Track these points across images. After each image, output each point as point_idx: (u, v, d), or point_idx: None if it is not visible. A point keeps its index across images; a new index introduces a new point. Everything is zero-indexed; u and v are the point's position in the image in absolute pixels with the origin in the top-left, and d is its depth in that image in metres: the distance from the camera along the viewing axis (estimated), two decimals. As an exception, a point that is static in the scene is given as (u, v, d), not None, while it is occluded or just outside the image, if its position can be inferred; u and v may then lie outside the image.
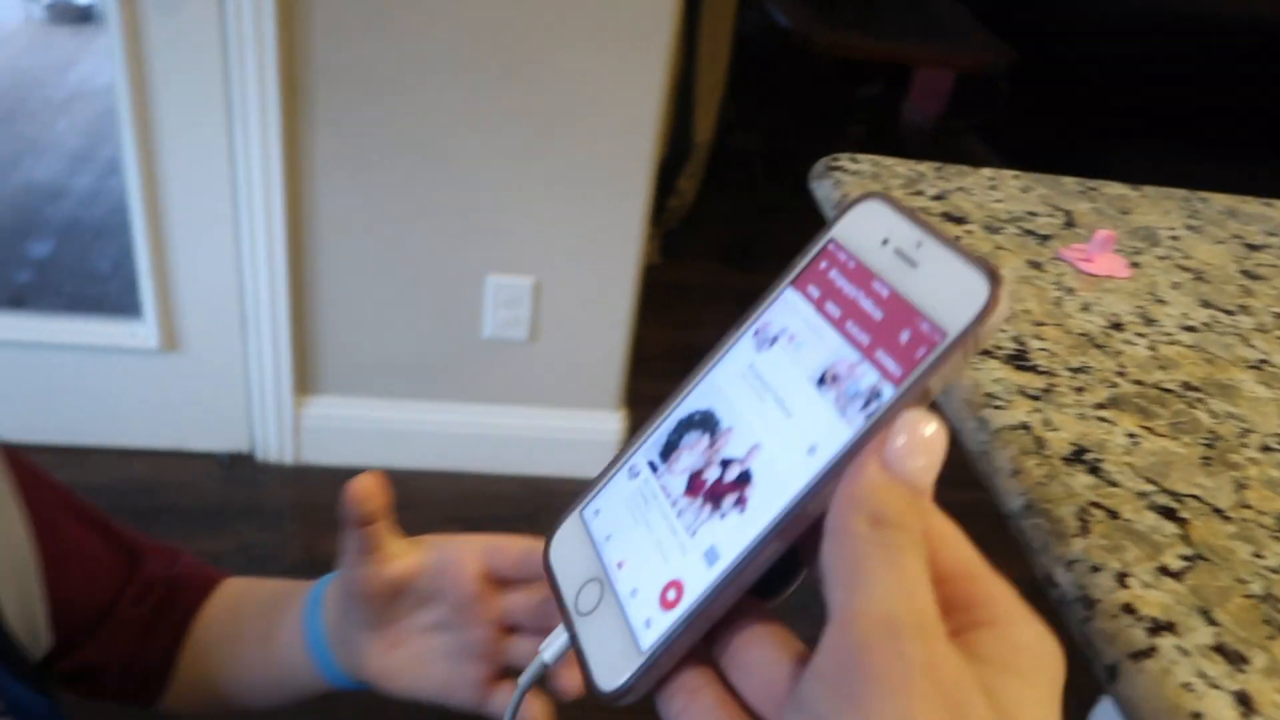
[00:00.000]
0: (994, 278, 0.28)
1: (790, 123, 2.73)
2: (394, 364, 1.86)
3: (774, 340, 0.33)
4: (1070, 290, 0.65)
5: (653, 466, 0.34)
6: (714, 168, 2.63)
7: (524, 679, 0.38)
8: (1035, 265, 0.67)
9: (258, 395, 1.84)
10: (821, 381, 0.30)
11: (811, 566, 0.30)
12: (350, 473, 0.51)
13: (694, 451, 0.33)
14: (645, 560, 0.32)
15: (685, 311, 2.08)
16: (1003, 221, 0.72)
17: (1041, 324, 0.61)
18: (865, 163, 0.76)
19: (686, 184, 2.56)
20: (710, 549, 0.30)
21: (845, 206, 0.33)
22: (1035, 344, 0.59)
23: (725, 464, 0.31)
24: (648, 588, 0.31)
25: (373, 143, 1.64)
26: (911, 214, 0.32)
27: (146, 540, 0.66)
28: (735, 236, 2.77)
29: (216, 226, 1.68)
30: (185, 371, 1.83)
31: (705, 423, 0.33)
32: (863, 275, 0.32)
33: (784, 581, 0.32)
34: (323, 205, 1.68)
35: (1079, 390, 0.55)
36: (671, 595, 0.30)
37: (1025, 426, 0.51)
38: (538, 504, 1.91)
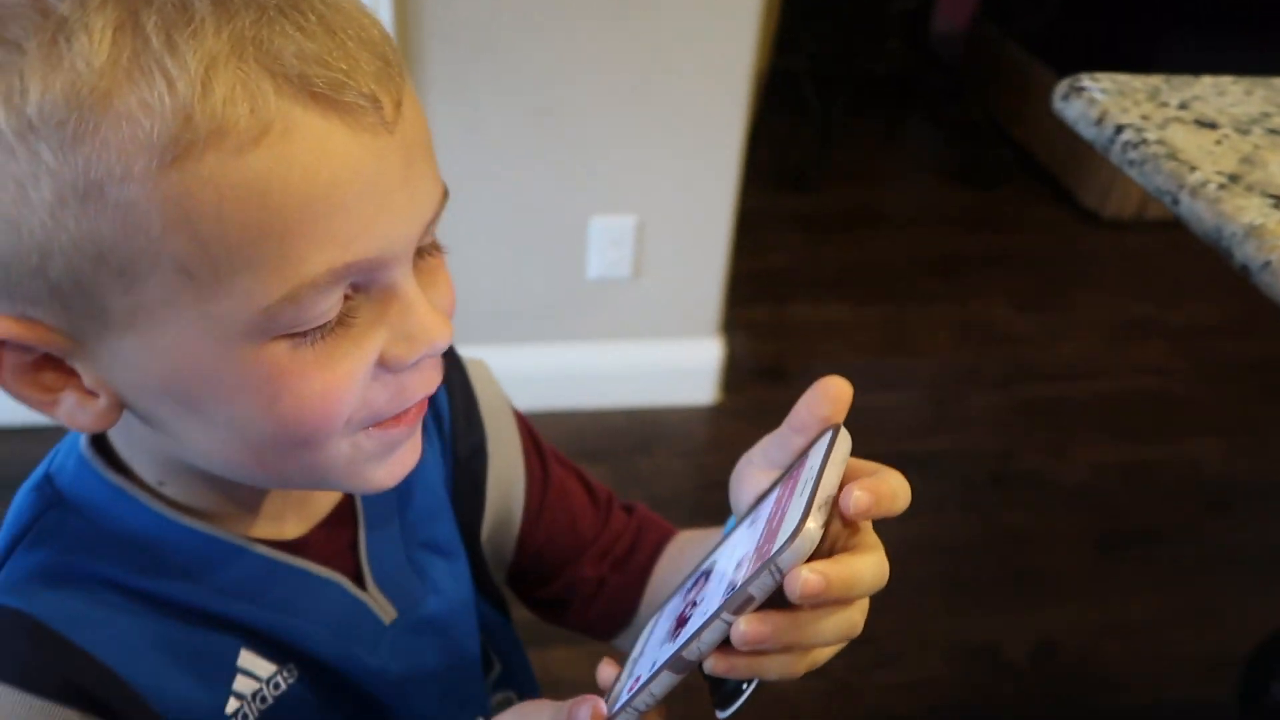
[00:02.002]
0: (797, 530, 0.39)
1: (831, 42, 2.77)
2: (503, 310, 1.93)
3: (752, 520, 0.46)
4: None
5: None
6: (765, 92, 2.68)
7: None
8: (1296, 161, 0.75)
9: (375, 352, 1.90)
10: (739, 564, 0.43)
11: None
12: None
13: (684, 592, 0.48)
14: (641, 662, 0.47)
15: (749, 236, 2.15)
16: (1246, 124, 0.80)
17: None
18: (1105, 81, 0.83)
19: (740, 112, 2.60)
20: (654, 662, 0.45)
21: (827, 430, 0.45)
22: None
23: (693, 604, 0.46)
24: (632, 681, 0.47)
25: (482, 100, 1.68)
26: (828, 451, 0.43)
27: (615, 496, 0.74)
28: (790, 160, 2.83)
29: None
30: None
31: (706, 572, 0.47)
32: (794, 488, 0.43)
33: (734, 697, 0.45)
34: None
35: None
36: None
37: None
38: (646, 435, 1.99)
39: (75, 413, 0.46)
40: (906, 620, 1.61)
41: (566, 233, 1.85)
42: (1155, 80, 0.85)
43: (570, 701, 0.47)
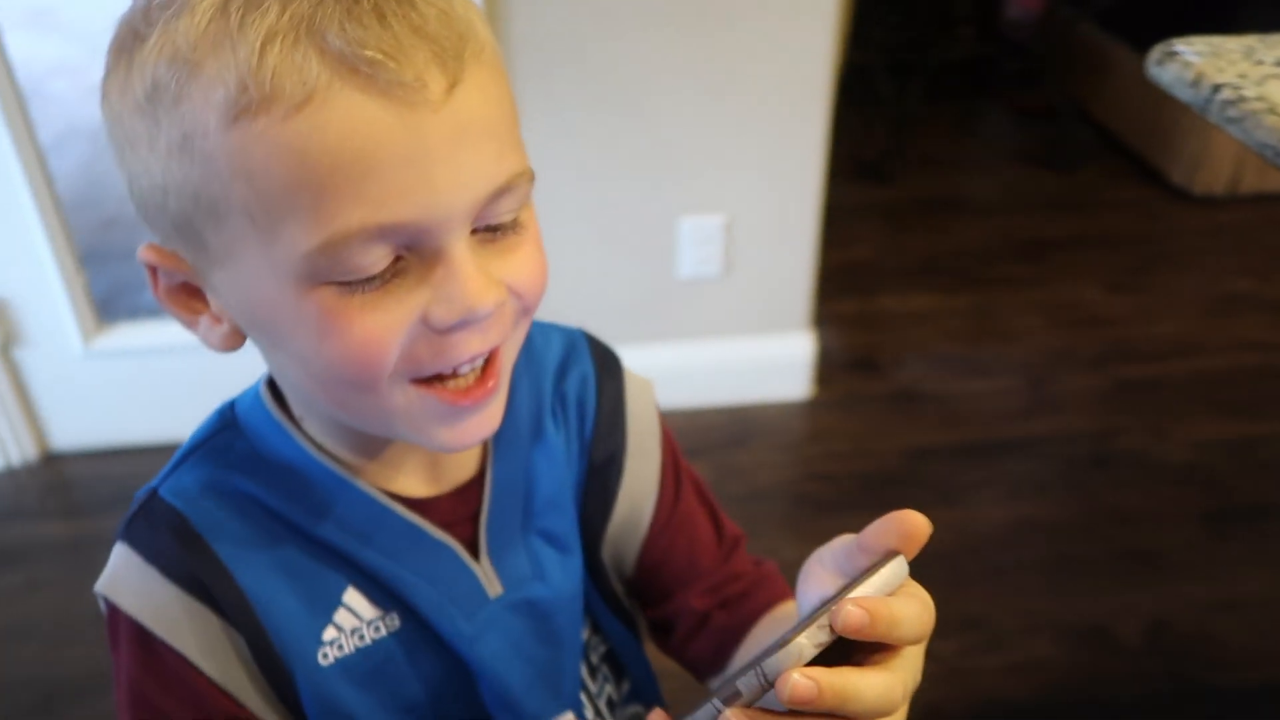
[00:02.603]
0: (787, 641, 0.41)
1: (903, 34, 2.78)
2: (596, 312, 1.97)
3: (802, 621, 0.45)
4: None
5: None
6: (840, 86, 2.70)
7: None
8: (1399, 109, 0.76)
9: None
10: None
11: None
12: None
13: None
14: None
15: (832, 230, 2.17)
16: (1345, 77, 0.80)
17: None
18: (1199, 44, 0.84)
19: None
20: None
21: (885, 553, 0.46)
22: None
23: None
24: None
25: (569, 105, 1.74)
26: (869, 574, 0.44)
27: (744, 541, 0.75)
28: (867, 152, 2.84)
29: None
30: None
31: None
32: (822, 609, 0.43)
33: None
34: (525, 173, 1.78)
35: None
36: None
37: None
38: (743, 430, 2.01)
39: (208, 333, 0.55)
40: (1015, 603, 1.62)
41: (656, 234, 1.89)
42: (1249, 40, 0.86)
43: None
